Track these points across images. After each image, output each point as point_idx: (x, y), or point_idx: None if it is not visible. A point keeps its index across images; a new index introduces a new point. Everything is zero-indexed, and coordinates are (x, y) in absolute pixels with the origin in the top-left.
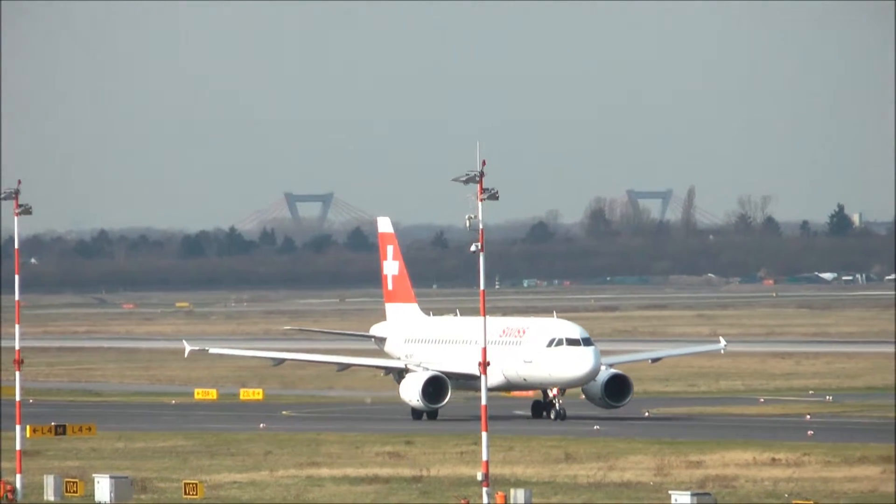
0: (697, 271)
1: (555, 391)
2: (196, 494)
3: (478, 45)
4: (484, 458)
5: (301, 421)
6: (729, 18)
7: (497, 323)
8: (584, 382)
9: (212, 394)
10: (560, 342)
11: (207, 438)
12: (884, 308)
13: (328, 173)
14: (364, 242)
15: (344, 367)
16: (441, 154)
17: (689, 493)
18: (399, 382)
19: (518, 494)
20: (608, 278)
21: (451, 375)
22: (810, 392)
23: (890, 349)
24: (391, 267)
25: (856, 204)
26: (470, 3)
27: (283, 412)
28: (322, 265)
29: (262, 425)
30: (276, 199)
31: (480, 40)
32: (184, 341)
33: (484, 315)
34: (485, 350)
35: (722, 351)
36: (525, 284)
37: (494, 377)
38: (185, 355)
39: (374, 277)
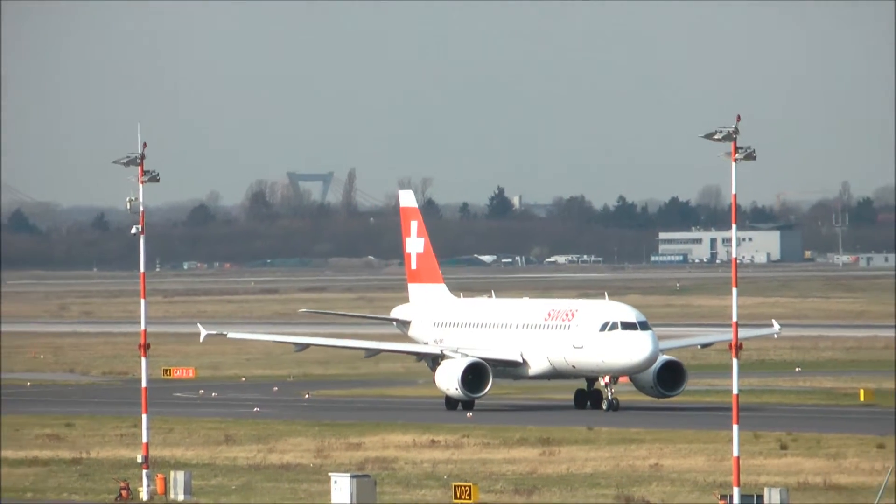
0: (358, 254)
1: (606, 379)
2: None
3: (135, 29)
4: (144, 439)
5: None
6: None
7: (542, 305)
8: (642, 370)
9: None
10: (615, 326)
11: None
12: (543, 290)
13: None
14: (24, 224)
15: (373, 352)
16: (102, 135)
17: (348, 474)
18: (433, 369)
19: (178, 476)
20: (268, 261)
21: (490, 362)
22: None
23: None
24: (415, 244)
25: (516, 186)
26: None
27: None
28: None
29: None
30: None
31: (143, 27)
32: (199, 325)
33: (143, 297)
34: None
35: (776, 335)
36: (185, 267)
37: (540, 364)
38: (201, 340)
39: (37, 259)
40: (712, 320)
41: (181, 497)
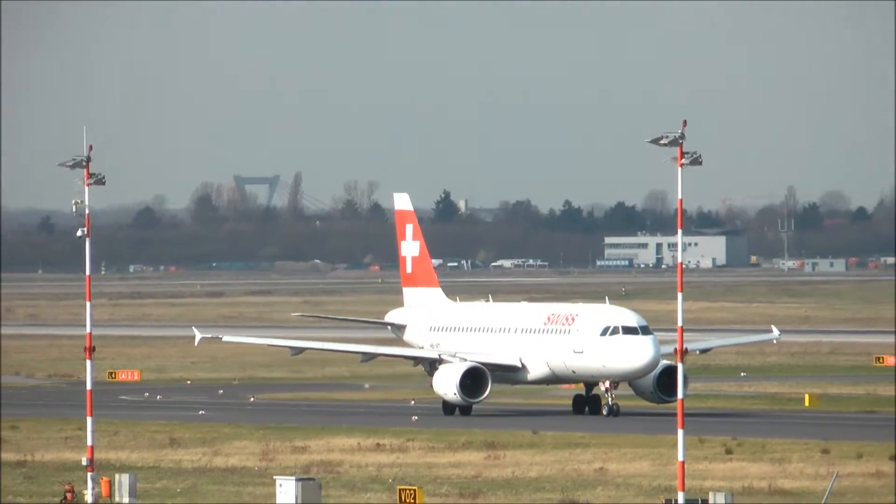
0: (304, 257)
1: (606, 384)
2: None
3: (80, 31)
4: (89, 442)
5: None
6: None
7: (541, 309)
8: (643, 375)
9: None
10: (615, 330)
11: None
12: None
13: None
14: None
15: (369, 356)
16: (48, 138)
17: (293, 477)
18: (431, 374)
19: (123, 479)
20: (214, 264)
21: (489, 367)
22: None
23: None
24: (410, 247)
25: (462, 191)
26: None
27: None
28: None
29: None
30: None
31: (80, 28)
32: (194, 328)
33: (89, 300)
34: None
35: (775, 341)
36: (131, 270)
37: (539, 369)
38: (196, 343)
39: None
40: (657, 325)
41: (126, 500)
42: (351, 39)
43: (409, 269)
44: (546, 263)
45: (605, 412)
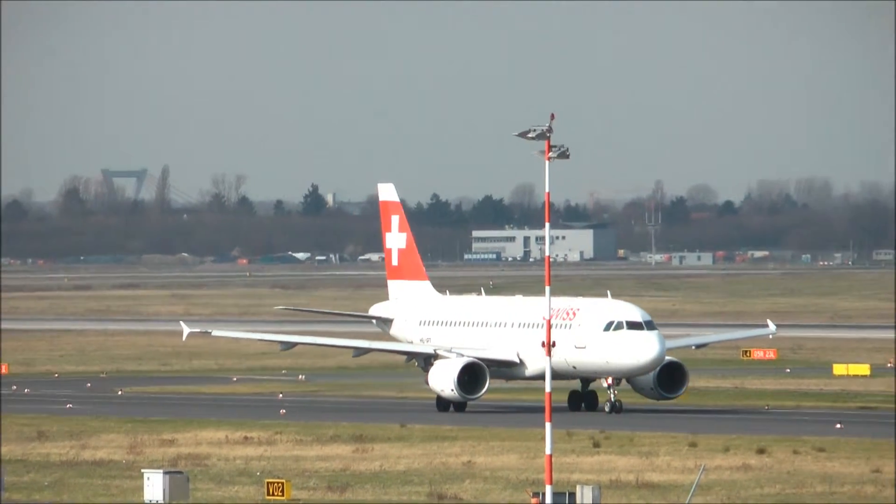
0: (171, 251)
1: (609, 381)
2: None
3: None
4: None
5: None
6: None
7: (539, 303)
8: (648, 371)
9: None
10: (619, 325)
11: None
12: (356, 288)
13: None
14: None
15: (362, 351)
16: None
17: (161, 470)
18: (425, 369)
19: None
20: (82, 257)
21: (486, 362)
22: (283, 371)
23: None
24: (397, 239)
25: (329, 184)
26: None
27: None
28: None
29: None
30: None
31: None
32: (181, 323)
33: None
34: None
35: (771, 336)
36: None
37: (538, 364)
38: (184, 338)
39: None
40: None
41: None
42: (217, 32)
43: (394, 262)
44: None
45: (607, 409)
